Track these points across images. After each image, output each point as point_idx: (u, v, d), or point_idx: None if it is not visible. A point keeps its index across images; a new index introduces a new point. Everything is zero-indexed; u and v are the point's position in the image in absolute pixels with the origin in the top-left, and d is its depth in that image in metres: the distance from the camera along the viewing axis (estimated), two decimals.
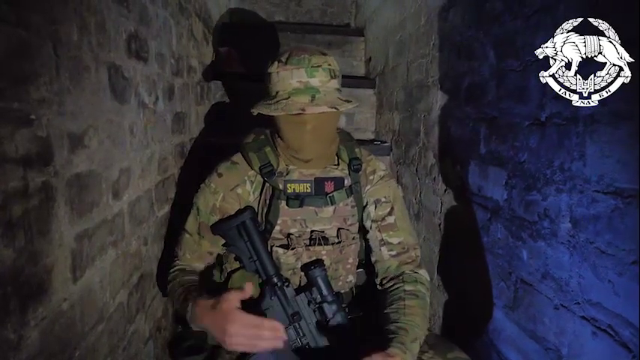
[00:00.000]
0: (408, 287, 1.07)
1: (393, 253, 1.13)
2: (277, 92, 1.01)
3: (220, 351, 1.10)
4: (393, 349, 0.89)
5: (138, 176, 1.07)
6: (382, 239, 1.14)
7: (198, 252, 1.12)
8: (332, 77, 1.02)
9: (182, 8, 1.52)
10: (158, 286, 1.29)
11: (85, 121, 0.76)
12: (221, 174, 1.12)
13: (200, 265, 1.13)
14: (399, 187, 1.26)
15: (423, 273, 1.13)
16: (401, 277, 1.10)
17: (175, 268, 1.12)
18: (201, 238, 1.11)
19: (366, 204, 1.17)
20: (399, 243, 1.14)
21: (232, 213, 1.10)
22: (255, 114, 1.14)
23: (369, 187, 1.17)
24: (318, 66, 1.00)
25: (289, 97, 0.99)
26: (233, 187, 1.11)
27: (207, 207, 1.11)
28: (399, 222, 1.15)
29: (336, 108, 0.99)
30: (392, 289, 1.09)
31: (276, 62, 1.02)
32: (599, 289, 0.76)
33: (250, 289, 0.94)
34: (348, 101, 1.03)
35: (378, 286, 1.15)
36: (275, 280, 1.04)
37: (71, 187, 0.71)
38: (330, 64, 1.02)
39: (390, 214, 1.15)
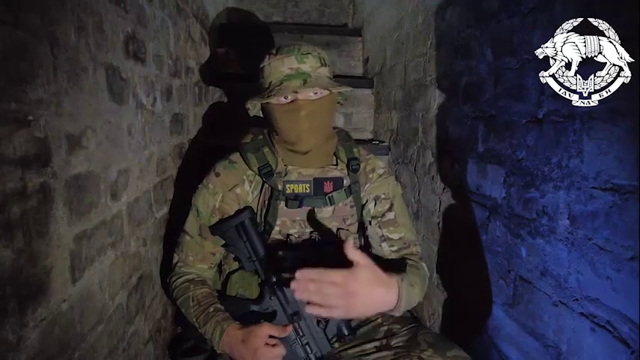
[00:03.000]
0: (410, 262, 1.08)
1: (394, 248, 1.13)
2: (270, 83, 1.04)
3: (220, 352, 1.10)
4: (392, 274, 0.88)
5: (136, 177, 1.07)
6: (383, 235, 1.14)
7: (201, 253, 1.12)
8: (322, 65, 1.05)
9: (179, 9, 1.52)
10: (158, 287, 1.29)
11: (83, 122, 0.76)
12: (219, 173, 1.12)
13: (204, 266, 1.13)
14: (399, 184, 1.26)
15: (424, 265, 1.14)
16: (403, 259, 1.11)
17: (183, 278, 1.10)
18: (203, 239, 1.11)
19: (366, 201, 1.17)
20: (400, 239, 1.14)
21: (232, 214, 1.10)
22: (251, 113, 1.14)
23: (368, 185, 1.18)
24: (308, 53, 1.03)
25: (281, 84, 1.01)
26: (231, 187, 1.10)
27: (207, 208, 1.10)
28: (399, 218, 1.16)
29: (329, 89, 1.02)
30: (394, 261, 1.10)
31: (267, 56, 1.06)
32: (598, 285, 0.77)
33: (289, 330, 0.97)
34: (341, 86, 1.05)
35: None
36: (274, 280, 1.04)
37: (69, 188, 0.71)
38: (319, 53, 1.05)
39: (389, 210, 1.16)
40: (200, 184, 1.13)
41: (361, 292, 0.80)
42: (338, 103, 1.16)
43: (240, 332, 0.96)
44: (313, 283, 0.78)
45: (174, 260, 1.14)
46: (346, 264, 0.80)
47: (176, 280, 1.11)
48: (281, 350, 0.95)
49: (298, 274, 0.78)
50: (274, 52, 1.05)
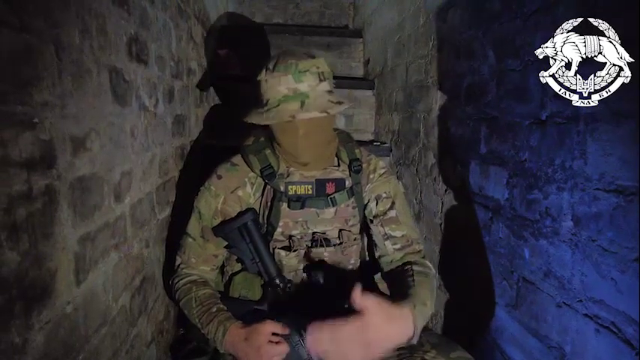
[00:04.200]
0: (417, 268, 1.06)
1: (398, 246, 1.13)
2: (268, 100, 1.01)
3: (223, 353, 1.10)
4: (403, 303, 0.87)
5: (139, 179, 1.07)
6: (385, 233, 1.14)
7: (204, 256, 1.12)
8: (321, 80, 1.01)
9: (181, 11, 1.52)
10: (160, 289, 1.29)
11: (87, 124, 0.76)
12: (220, 176, 1.12)
13: (206, 268, 1.13)
14: (400, 183, 1.26)
15: (430, 265, 1.13)
16: (409, 262, 1.10)
17: (185, 279, 1.10)
18: (205, 241, 1.11)
19: (368, 201, 1.17)
20: (403, 236, 1.14)
21: (234, 216, 1.10)
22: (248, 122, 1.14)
23: (369, 185, 1.18)
24: (306, 70, 0.99)
25: (279, 105, 0.99)
26: (234, 190, 1.11)
27: (209, 210, 1.10)
28: (401, 216, 1.16)
29: (326, 112, 0.98)
30: (401, 270, 1.08)
31: (264, 70, 1.02)
32: (602, 286, 0.77)
33: (287, 329, 0.96)
34: (340, 103, 1.01)
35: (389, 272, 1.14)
36: (277, 281, 1.04)
37: (74, 190, 0.71)
38: (318, 67, 1.01)
39: (391, 208, 1.16)
40: (202, 186, 1.13)
41: (378, 336, 0.77)
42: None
43: (242, 330, 0.96)
44: (328, 339, 0.75)
45: (177, 262, 1.14)
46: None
47: (178, 281, 1.10)
48: (284, 348, 0.95)
49: (309, 335, 0.75)
50: (271, 66, 1.01)
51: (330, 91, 1.03)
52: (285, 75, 0.99)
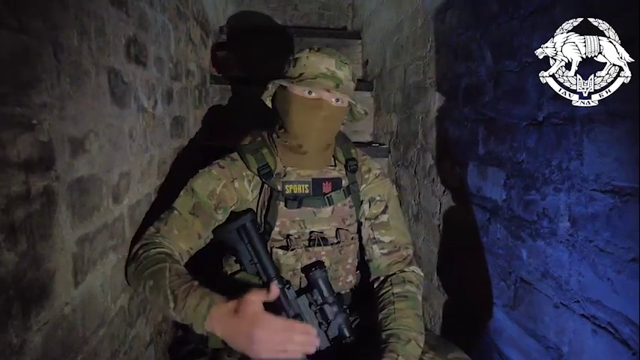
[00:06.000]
0: (396, 289, 1.07)
1: (384, 251, 1.14)
2: (302, 74, 1.06)
3: (221, 354, 1.10)
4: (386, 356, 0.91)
5: (137, 180, 1.07)
6: (374, 237, 1.15)
7: (188, 230, 1.03)
8: (352, 79, 1.10)
9: (180, 12, 1.52)
10: None
11: (85, 125, 0.76)
12: (223, 166, 1.12)
13: (184, 247, 1.02)
14: (394, 186, 1.26)
15: (414, 269, 1.13)
16: (389, 280, 1.11)
17: (158, 249, 0.96)
18: (194, 217, 1.04)
19: (361, 202, 1.19)
20: (391, 242, 1.15)
21: (229, 204, 1.09)
22: (264, 96, 1.15)
23: (364, 185, 1.19)
24: (346, 64, 1.09)
25: (315, 78, 1.04)
26: (233, 180, 1.11)
27: (205, 190, 1.07)
28: (392, 221, 1.17)
29: (354, 102, 1.08)
30: (381, 293, 1.10)
31: (307, 49, 1.10)
32: (599, 287, 0.77)
33: (276, 290, 0.87)
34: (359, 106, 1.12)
35: (374, 286, 1.15)
36: (276, 282, 1.04)
37: (72, 192, 0.72)
38: (353, 68, 1.11)
39: (383, 212, 1.17)
40: (201, 169, 1.11)
41: None
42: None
43: (230, 303, 0.83)
44: None
45: (150, 231, 1.01)
46: None
47: (150, 249, 0.95)
48: (285, 321, 0.85)
49: None
50: (315, 48, 1.10)
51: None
52: (329, 57, 1.07)
